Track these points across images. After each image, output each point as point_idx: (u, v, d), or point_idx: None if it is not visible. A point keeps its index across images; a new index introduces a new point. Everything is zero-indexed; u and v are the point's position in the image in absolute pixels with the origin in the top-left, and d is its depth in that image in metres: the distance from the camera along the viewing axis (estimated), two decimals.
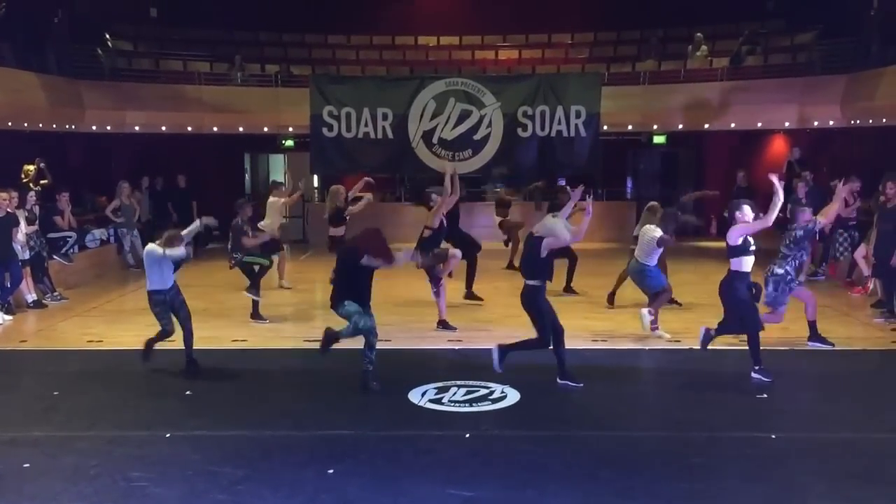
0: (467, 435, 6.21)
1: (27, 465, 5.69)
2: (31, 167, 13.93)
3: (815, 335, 8.72)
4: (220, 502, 5.12)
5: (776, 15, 19.38)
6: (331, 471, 5.56)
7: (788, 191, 14.35)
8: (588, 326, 9.36)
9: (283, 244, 12.78)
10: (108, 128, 16.85)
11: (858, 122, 15.12)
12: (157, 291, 7.77)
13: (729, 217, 7.99)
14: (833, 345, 8.63)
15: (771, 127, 17.61)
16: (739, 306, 7.48)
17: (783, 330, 9.09)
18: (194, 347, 7.90)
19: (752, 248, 7.49)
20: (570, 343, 8.87)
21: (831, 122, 16.05)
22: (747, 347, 7.59)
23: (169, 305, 7.83)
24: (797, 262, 8.56)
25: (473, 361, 8.01)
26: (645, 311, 9.11)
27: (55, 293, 11.68)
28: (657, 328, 9.08)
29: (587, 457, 5.94)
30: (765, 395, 7.14)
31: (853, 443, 6.13)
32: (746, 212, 7.56)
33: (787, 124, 17.08)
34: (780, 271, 8.32)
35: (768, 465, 5.74)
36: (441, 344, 9.03)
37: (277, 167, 22.53)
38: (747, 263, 7.48)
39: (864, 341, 9.05)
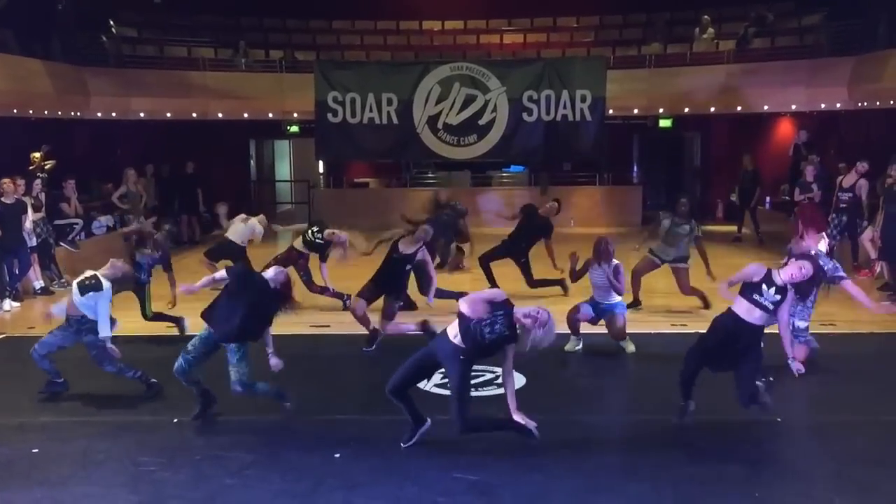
0: None
1: (35, 450, 5.74)
2: (38, 154, 13.94)
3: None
4: (228, 487, 5.16)
5: None
6: (337, 455, 5.60)
7: (796, 174, 14.33)
8: None
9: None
10: (114, 114, 16.83)
11: (866, 104, 15.01)
12: None
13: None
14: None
15: (778, 110, 17.49)
16: None
17: None
18: None
19: (759, 299, 5.81)
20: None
21: (839, 105, 15.92)
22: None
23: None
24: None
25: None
26: None
27: (62, 280, 11.71)
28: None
29: (593, 441, 5.96)
30: (771, 379, 7.14)
31: (859, 426, 6.14)
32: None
33: (794, 107, 16.98)
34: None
35: (773, 449, 5.75)
36: None
37: (282, 153, 22.55)
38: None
39: (870, 324, 9.02)
